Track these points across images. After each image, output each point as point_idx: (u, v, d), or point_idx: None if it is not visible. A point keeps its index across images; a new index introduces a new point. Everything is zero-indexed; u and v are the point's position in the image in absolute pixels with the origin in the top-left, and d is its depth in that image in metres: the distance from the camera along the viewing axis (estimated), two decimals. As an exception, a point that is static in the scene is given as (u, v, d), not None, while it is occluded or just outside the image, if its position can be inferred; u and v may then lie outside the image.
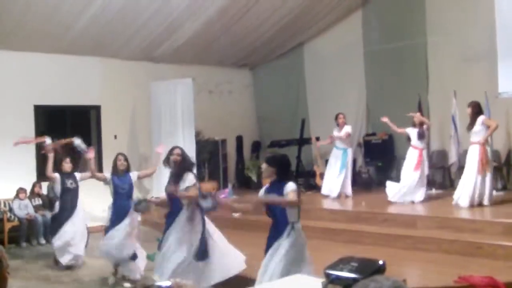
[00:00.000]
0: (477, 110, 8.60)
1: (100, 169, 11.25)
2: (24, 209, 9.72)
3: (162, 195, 6.67)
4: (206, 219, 6.06)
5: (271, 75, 13.92)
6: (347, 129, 10.24)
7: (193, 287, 2.85)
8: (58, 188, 8.01)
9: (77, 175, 8.13)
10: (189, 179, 5.97)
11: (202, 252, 5.87)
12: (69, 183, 8.01)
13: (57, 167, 8.07)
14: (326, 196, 10.51)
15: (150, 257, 7.13)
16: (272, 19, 11.62)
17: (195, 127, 11.14)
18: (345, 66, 12.58)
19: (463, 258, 6.68)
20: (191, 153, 10.57)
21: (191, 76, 11.20)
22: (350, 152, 10.47)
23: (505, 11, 10.09)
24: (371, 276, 2.12)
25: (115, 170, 7.18)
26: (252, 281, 4.91)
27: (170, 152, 6.18)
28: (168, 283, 2.52)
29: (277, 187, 4.76)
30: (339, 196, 10.31)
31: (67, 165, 8.07)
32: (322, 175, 11.67)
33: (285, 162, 4.98)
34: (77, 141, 7.89)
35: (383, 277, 2.08)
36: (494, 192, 9.77)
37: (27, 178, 10.19)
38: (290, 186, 4.70)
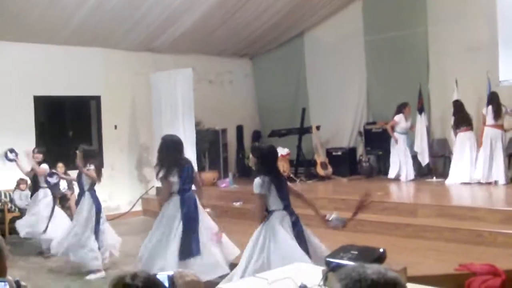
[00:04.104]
0: None
1: (100, 159, 11.27)
2: (25, 199, 9.71)
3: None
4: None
5: (272, 65, 13.88)
6: None
7: (196, 277, 2.86)
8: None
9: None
10: None
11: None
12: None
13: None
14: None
15: None
16: (272, 8, 11.57)
17: (196, 116, 11.12)
18: (346, 55, 12.54)
19: (463, 246, 6.69)
20: (192, 143, 10.57)
21: (191, 66, 11.18)
22: None
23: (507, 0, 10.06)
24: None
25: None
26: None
27: None
28: (171, 273, 2.53)
29: None
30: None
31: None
32: (322, 164, 11.68)
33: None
34: None
35: (370, 265, 2.08)
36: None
37: (28, 169, 10.16)
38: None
